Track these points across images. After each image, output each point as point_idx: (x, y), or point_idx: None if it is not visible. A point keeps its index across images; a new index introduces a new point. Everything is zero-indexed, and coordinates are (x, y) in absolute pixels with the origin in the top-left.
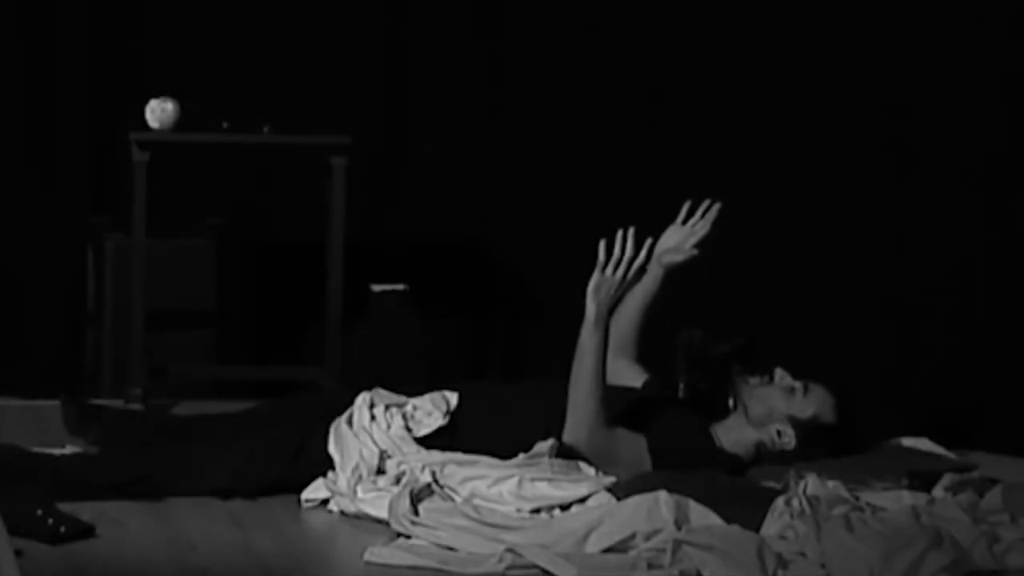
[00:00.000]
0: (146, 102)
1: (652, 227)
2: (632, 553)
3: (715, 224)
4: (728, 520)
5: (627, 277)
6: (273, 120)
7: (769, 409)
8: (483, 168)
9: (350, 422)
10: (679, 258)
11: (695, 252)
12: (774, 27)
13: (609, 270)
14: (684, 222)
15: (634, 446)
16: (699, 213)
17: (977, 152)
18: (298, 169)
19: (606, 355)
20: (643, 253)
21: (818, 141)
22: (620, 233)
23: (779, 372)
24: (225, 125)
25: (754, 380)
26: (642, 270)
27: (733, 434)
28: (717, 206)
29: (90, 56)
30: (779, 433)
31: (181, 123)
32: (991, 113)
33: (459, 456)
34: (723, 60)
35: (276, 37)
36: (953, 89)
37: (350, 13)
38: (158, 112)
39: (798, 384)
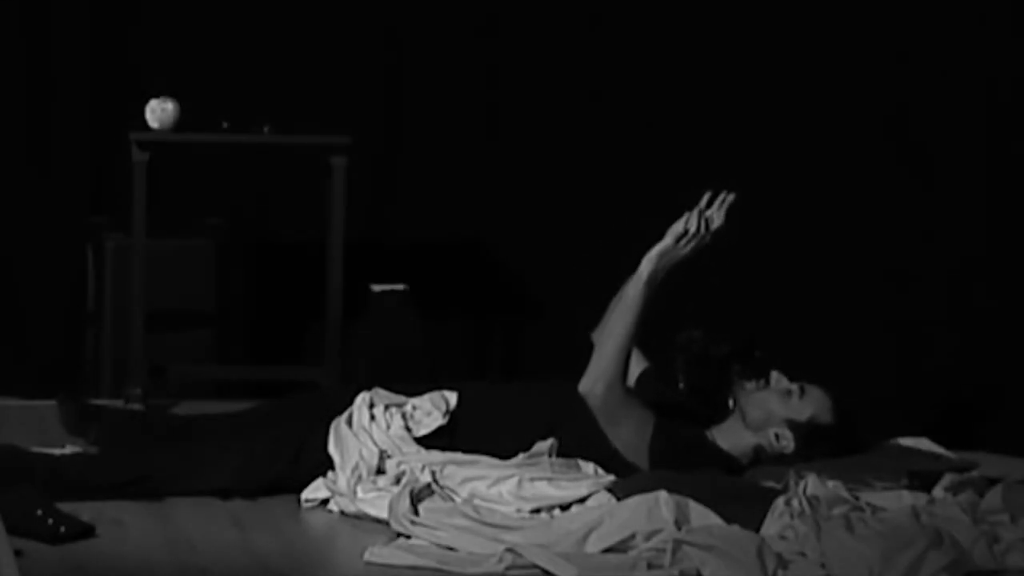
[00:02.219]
0: (146, 102)
1: (652, 226)
2: (632, 553)
3: (728, 215)
4: (728, 520)
5: (692, 254)
6: (273, 120)
7: (766, 413)
8: (483, 168)
9: (350, 422)
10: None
11: (708, 240)
12: (774, 31)
13: (683, 242)
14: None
15: (642, 414)
16: (716, 203)
17: (978, 152)
18: (298, 169)
19: (644, 317)
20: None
21: (817, 143)
22: (701, 207)
23: (775, 375)
24: (225, 125)
25: (750, 384)
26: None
27: (731, 438)
28: (731, 196)
29: (90, 56)
30: (777, 436)
31: (181, 123)
32: (991, 113)
33: (459, 456)
34: (724, 60)
35: (276, 37)
36: (953, 89)
37: (350, 13)
38: (158, 112)
39: (794, 386)
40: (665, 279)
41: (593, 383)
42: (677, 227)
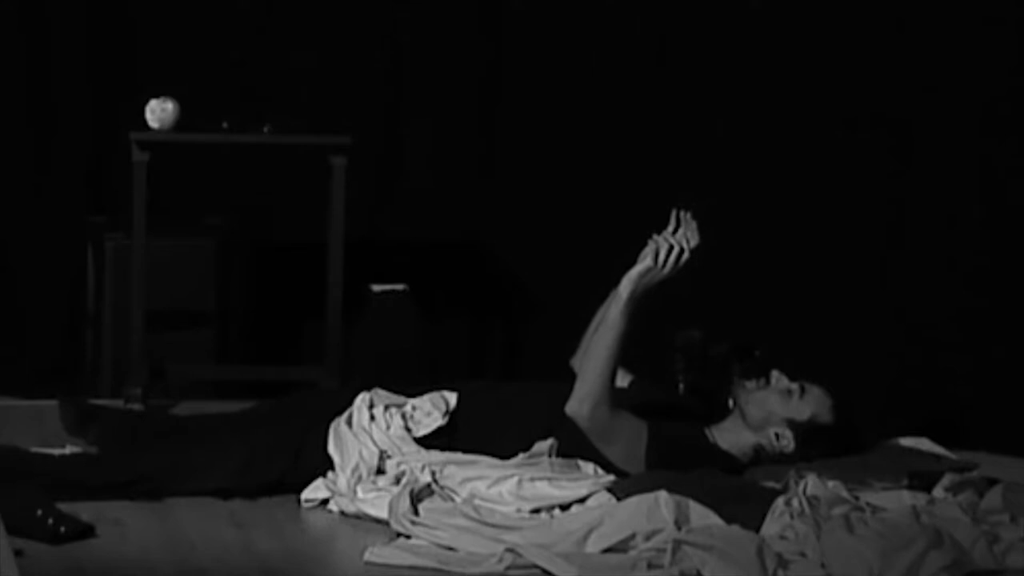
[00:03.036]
0: (146, 102)
1: (652, 227)
2: (632, 553)
3: (700, 230)
4: (728, 520)
5: (673, 273)
6: (273, 120)
7: (767, 413)
8: (483, 168)
9: (350, 422)
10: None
11: (686, 258)
12: (773, 31)
13: (660, 260)
14: (673, 231)
15: (634, 428)
16: (682, 226)
17: (977, 151)
18: (298, 169)
19: (627, 337)
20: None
21: (816, 142)
22: (680, 227)
23: (775, 375)
24: (225, 125)
25: (751, 384)
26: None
27: (730, 437)
28: (690, 213)
29: (90, 56)
30: (777, 436)
31: (181, 123)
32: (990, 112)
33: (459, 456)
34: (724, 61)
35: (276, 37)
36: (951, 88)
37: (350, 13)
38: (158, 112)
39: (795, 386)
40: (647, 297)
41: (579, 404)
42: (650, 249)
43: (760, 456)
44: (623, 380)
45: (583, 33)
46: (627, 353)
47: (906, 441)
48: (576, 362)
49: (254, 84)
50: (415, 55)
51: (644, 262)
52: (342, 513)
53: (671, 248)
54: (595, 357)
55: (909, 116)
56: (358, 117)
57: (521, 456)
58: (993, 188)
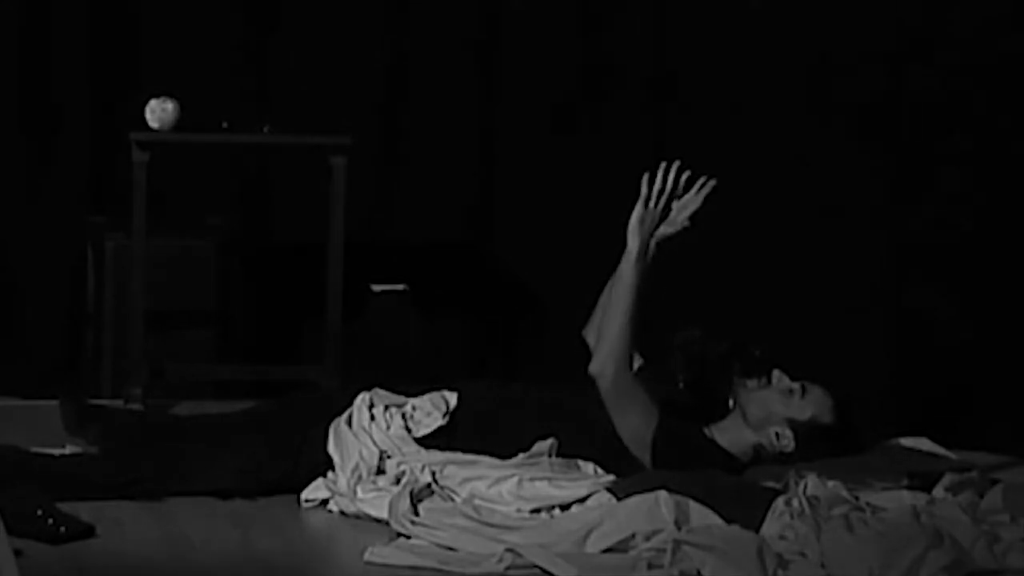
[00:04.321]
0: (146, 102)
1: None
2: (632, 553)
3: (707, 199)
4: (728, 520)
5: (668, 211)
6: (273, 120)
7: (767, 412)
8: (483, 168)
9: (350, 422)
10: (670, 230)
11: (687, 224)
12: (771, 25)
13: (652, 204)
14: (680, 197)
15: (649, 405)
16: (694, 188)
17: (975, 151)
18: (298, 169)
19: (643, 291)
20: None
21: (815, 141)
22: (663, 165)
23: (776, 374)
24: (225, 125)
25: (751, 383)
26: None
27: (730, 436)
28: (712, 182)
29: (90, 56)
30: (777, 436)
31: (181, 123)
32: (988, 111)
33: (459, 456)
34: (721, 59)
35: (276, 37)
36: (950, 88)
37: (350, 13)
38: (158, 112)
39: (796, 386)
40: (658, 252)
41: (602, 365)
42: (642, 200)
43: (760, 456)
44: (635, 362)
45: (583, 31)
46: (642, 339)
47: (906, 441)
48: (588, 332)
49: (254, 84)
50: (415, 55)
51: (637, 210)
52: (342, 513)
53: (663, 188)
54: (613, 317)
55: (908, 115)
56: (358, 117)
57: (521, 456)
58: (993, 187)
